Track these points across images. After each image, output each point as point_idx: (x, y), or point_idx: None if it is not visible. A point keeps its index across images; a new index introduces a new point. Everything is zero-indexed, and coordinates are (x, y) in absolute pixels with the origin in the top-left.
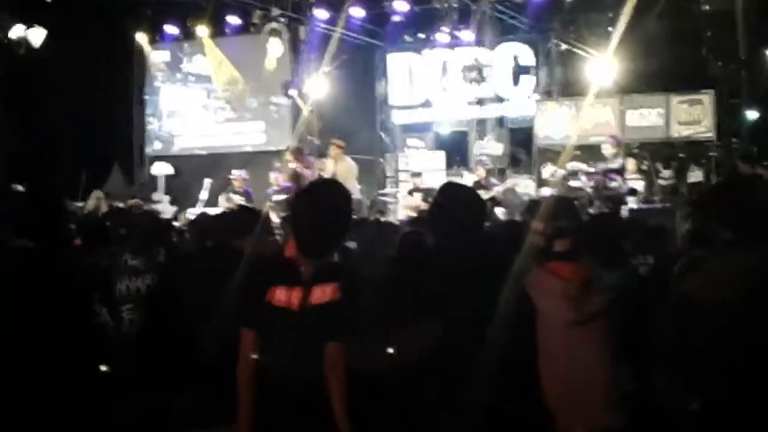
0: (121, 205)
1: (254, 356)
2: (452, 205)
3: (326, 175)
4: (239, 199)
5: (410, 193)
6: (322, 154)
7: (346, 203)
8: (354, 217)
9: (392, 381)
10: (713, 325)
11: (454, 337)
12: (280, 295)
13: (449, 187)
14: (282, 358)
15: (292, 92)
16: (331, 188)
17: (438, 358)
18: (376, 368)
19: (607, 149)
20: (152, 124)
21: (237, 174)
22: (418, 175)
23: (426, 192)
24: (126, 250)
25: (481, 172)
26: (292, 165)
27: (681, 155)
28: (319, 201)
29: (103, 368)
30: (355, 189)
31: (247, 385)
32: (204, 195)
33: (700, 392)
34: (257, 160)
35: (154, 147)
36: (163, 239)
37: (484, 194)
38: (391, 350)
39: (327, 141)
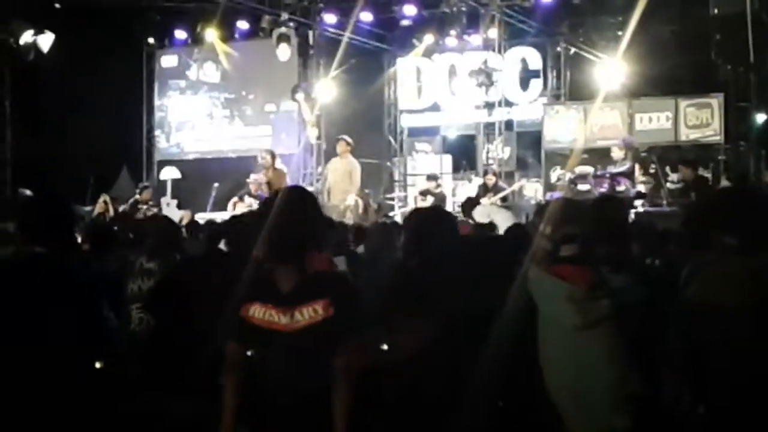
0: (127, 208)
1: (238, 369)
2: (421, 233)
3: (327, 169)
4: (252, 202)
5: (422, 194)
6: (328, 158)
7: (310, 206)
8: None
9: (388, 380)
10: (720, 330)
11: (453, 338)
12: (257, 312)
13: (414, 216)
14: (273, 374)
15: (298, 96)
16: (295, 192)
17: (436, 357)
18: (372, 365)
19: (616, 152)
20: (160, 136)
21: (254, 178)
22: (433, 178)
23: (439, 197)
24: (142, 252)
25: (491, 179)
26: (265, 164)
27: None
28: (284, 204)
29: (98, 365)
30: (353, 189)
31: (231, 397)
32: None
33: (706, 396)
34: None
35: (162, 152)
36: (179, 243)
37: (492, 198)
38: (385, 347)
39: (334, 145)
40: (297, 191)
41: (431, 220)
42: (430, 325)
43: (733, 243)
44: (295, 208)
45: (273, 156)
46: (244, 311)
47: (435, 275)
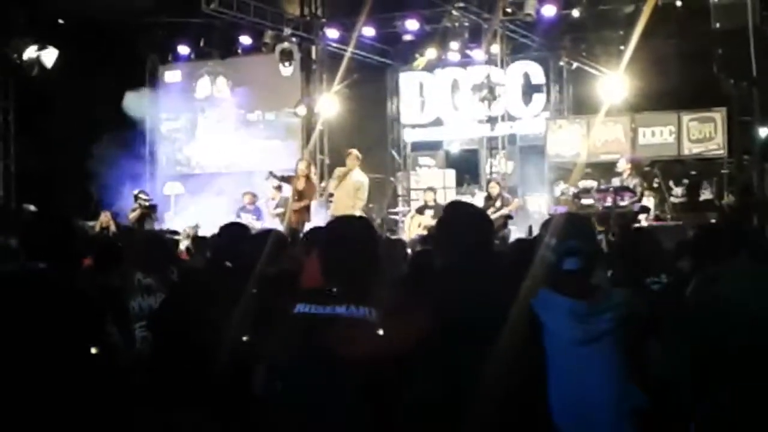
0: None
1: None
2: (457, 224)
3: (333, 180)
4: (250, 218)
5: (419, 211)
6: (331, 173)
7: (368, 237)
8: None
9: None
10: (747, 335)
11: (448, 341)
12: (303, 308)
13: (454, 206)
14: (307, 373)
15: (300, 111)
16: (352, 224)
17: (430, 358)
18: (369, 356)
19: (622, 164)
20: (163, 151)
21: (247, 192)
22: (431, 189)
23: (437, 209)
24: (137, 268)
25: (494, 188)
26: (301, 173)
27: (693, 173)
28: (348, 237)
29: (93, 350)
30: (359, 203)
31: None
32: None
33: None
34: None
35: (165, 167)
36: (174, 258)
37: (494, 210)
38: (381, 331)
39: (338, 158)
40: (364, 223)
41: (448, 210)
42: (427, 314)
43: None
44: (364, 242)
45: (309, 166)
46: (289, 310)
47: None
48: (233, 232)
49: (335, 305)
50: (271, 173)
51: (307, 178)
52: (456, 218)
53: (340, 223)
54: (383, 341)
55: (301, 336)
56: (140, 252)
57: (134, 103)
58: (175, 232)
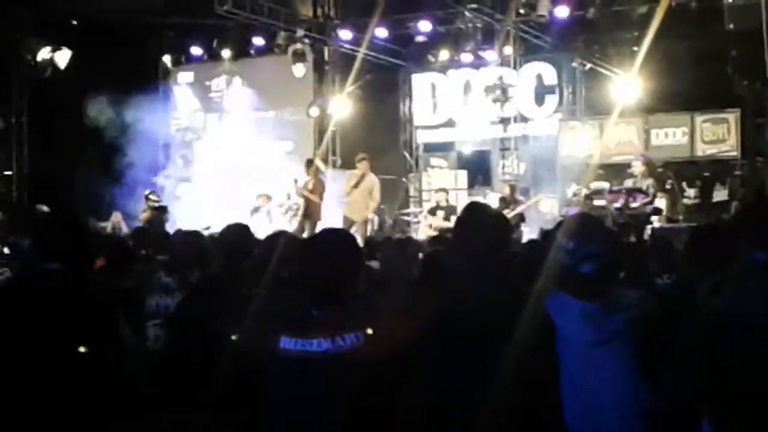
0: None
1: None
2: (477, 226)
3: (348, 185)
4: (263, 219)
5: (431, 212)
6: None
7: (353, 251)
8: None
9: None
10: (749, 342)
11: (447, 345)
12: (289, 344)
13: (473, 207)
14: (298, 407)
15: (313, 112)
16: (338, 237)
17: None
18: (362, 383)
19: (637, 167)
20: (175, 152)
21: (261, 194)
22: (443, 191)
23: (448, 210)
24: (161, 267)
25: (506, 189)
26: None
27: (706, 174)
28: (325, 251)
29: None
30: (373, 204)
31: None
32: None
33: (726, 414)
34: (281, 179)
35: (178, 168)
36: (200, 260)
37: (509, 212)
38: (370, 331)
39: (350, 159)
40: (344, 237)
41: (467, 211)
42: (418, 322)
43: (764, 257)
44: (342, 257)
45: (316, 166)
46: (276, 343)
47: (449, 269)
48: (239, 232)
49: (320, 338)
50: (296, 182)
51: (318, 178)
52: (476, 220)
53: (315, 243)
54: (376, 359)
55: (291, 376)
56: (174, 250)
57: (96, 111)
58: None
